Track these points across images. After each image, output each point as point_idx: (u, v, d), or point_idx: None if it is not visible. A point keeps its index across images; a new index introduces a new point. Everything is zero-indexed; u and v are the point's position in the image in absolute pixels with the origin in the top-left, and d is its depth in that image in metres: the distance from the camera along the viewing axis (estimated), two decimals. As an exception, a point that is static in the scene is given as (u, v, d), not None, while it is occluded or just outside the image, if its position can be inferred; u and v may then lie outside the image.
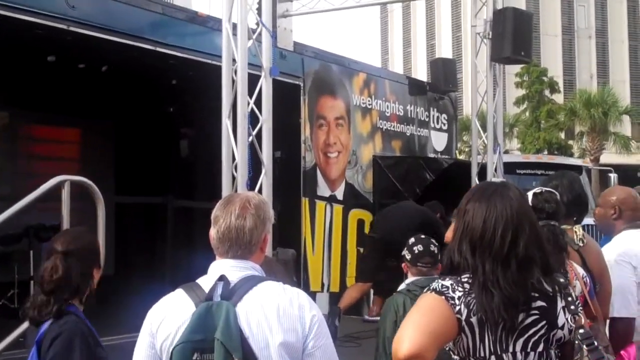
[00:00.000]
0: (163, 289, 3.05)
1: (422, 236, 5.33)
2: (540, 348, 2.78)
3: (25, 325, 4.38)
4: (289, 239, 7.38)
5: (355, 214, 10.39)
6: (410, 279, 5.32)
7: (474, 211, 2.89)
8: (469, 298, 2.75)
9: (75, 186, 5.76)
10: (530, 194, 3.96)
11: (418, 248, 5.20)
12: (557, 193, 4.26)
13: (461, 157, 25.37)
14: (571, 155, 40.25)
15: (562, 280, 2.90)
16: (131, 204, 11.69)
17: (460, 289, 2.77)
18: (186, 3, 9.17)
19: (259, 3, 6.72)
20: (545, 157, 21.25)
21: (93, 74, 9.29)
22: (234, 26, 6.35)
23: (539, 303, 2.79)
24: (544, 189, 4.29)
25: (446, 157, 12.34)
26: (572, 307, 2.85)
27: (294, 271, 7.26)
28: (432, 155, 12.11)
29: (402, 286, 5.46)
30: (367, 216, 10.41)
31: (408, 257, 5.26)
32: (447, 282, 2.81)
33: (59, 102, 10.75)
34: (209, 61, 7.90)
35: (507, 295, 2.72)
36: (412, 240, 5.30)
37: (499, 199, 2.89)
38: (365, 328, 7.81)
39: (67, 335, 3.41)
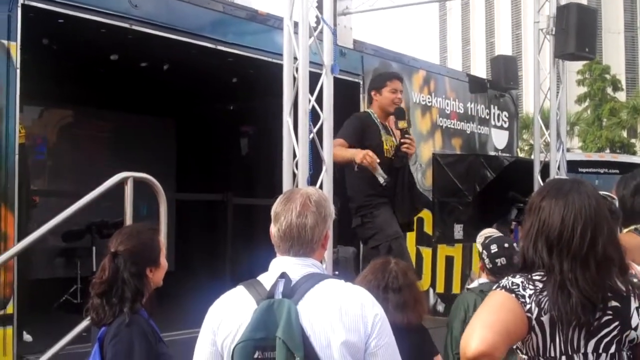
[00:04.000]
0: (224, 286, 3.05)
1: (506, 245, 5.16)
2: (613, 349, 2.70)
3: (87, 320, 4.42)
4: (349, 236, 7.34)
5: (415, 211, 10.32)
6: (484, 279, 5.22)
7: (550, 208, 2.81)
8: (540, 296, 2.69)
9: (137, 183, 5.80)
10: None
11: (501, 261, 5.04)
12: (616, 199, 4.14)
13: (522, 155, 25.08)
14: (634, 153, 39.52)
15: (636, 280, 2.82)
16: (192, 201, 11.78)
17: (531, 287, 2.70)
18: (246, 1, 9.20)
19: (319, 1, 6.70)
20: (608, 156, 20.91)
21: (155, 72, 9.37)
22: (295, 24, 6.34)
23: (613, 303, 2.70)
24: (604, 193, 4.15)
25: (507, 155, 12.18)
26: None
27: (354, 269, 7.22)
28: (492, 153, 11.96)
29: (474, 284, 5.37)
30: (426, 214, 10.32)
31: (489, 265, 5.13)
32: (518, 280, 2.75)
33: (121, 100, 10.90)
34: (269, 59, 7.91)
35: (586, 295, 2.65)
36: (494, 248, 5.12)
37: (576, 196, 2.81)
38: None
39: (126, 333, 3.41)
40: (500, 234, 5.50)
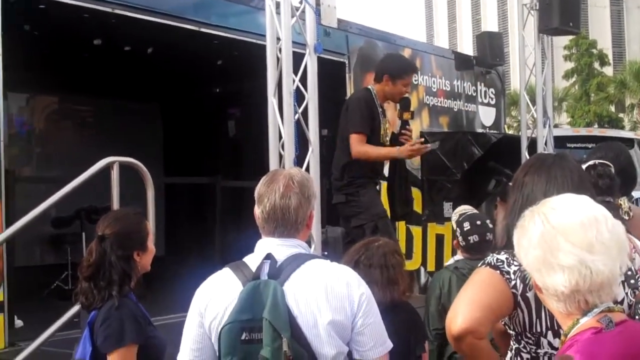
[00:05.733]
0: (213, 269, 3.04)
1: (478, 222, 5.16)
2: (598, 324, 2.70)
3: (78, 306, 4.42)
4: (337, 217, 7.33)
5: (403, 190, 10.30)
6: (459, 256, 5.24)
7: (533, 183, 2.81)
8: (525, 272, 2.68)
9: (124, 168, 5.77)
10: (583, 167, 3.75)
11: (474, 238, 5.05)
12: (612, 166, 4.11)
13: (509, 132, 25.07)
14: (622, 128, 39.58)
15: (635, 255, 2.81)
16: (180, 185, 11.76)
17: (515, 263, 2.70)
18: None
19: (302, -19, 6.66)
20: (596, 131, 20.93)
21: (139, 56, 9.33)
22: (277, 4, 6.31)
23: None
24: (599, 161, 4.13)
25: (495, 131, 12.19)
26: (632, 281, 2.74)
27: (342, 249, 7.22)
28: (480, 130, 11.96)
29: (450, 262, 5.40)
30: (416, 193, 10.32)
31: (462, 243, 5.15)
32: (502, 257, 2.74)
33: (106, 85, 10.85)
34: (254, 40, 7.87)
35: None
36: (466, 225, 5.13)
37: (559, 170, 2.80)
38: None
39: (117, 317, 3.40)
40: (475, 211, 5.50)
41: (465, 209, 5.54)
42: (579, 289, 1.99)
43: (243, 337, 2.65)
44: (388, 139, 6.74)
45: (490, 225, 5.16)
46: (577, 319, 2.02)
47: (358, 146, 6.36)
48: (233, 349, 2.67)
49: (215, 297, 2.78)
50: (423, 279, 10.49)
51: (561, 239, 2.01)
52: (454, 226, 5.28)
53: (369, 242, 4.18)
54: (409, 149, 6.39)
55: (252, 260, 2.81)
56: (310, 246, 4.12)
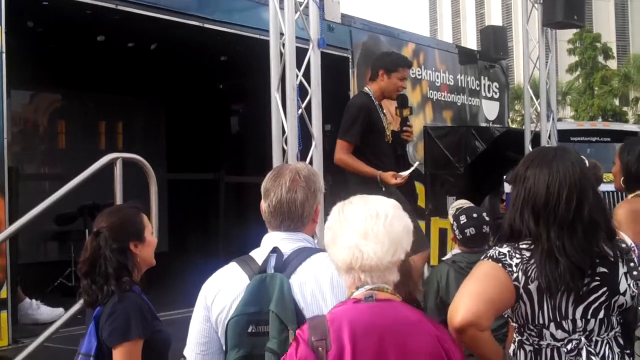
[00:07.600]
0: (217, 264, 3.04)
1: (475, 215, 5.15)
2: (601, 315, 2.72)
3: (81, 302, 4.41)
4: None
5: (407, 185, 10.29)
6: (457, 250, 5.24)
7: (535, 177, 2.81)
8: (527, 265, 2.70)
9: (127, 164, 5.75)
10: None
11: (470, 231, 5.04)
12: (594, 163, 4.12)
13: (513, 126, 25.05)
14: (626, 121, 39.53)
15: (624, 245, 2.82)
16: (184, 181, 11.76)
17: (517, 256, 2.72)
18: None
19: (305, -25, 6.64)
20: (600, 124, 20.93)
21: (142, 52, 9.32)
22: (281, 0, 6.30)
23: (601, 269, 2.72)
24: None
25: (498, 126, 12.17)
26: (635, 272, 2.77)
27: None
28: (483, 124, 11.95)
29: (448, 256, 5.39)
30: (419, 187, 10.31)
31: (459, 236, 5.14)
32: (505, 249, 2.76)
33: (109, 81, 10.84)
34: (257, 36, 7.87)
35: (574, 262, 2.66)
36: (462, 218, 5.12)
37: (560, 163, 2.81)
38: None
39: (123, 311, 3.39)
40: (471, 205, 5.50)
41: (462, 203, 5.55)
42: (352, 267, 2.45)
43: (250, 329, 2.67)
44: (390, 137, 6.68)
45: (487, 218, 5.16)
46: (352, 292, 2.47)
47: (341, 153, 6.34)
48: (240, 342, 2.68)
49: (222, 291, 2.79)
50: (426, 273, 10.48)
51: (346, 226, 2.49)
52: (451, 220, 5.28)
53: None
54: (393, 181, 6.29)
55: (259, 254, 2.82)
56: (314, 240, 4.12)
